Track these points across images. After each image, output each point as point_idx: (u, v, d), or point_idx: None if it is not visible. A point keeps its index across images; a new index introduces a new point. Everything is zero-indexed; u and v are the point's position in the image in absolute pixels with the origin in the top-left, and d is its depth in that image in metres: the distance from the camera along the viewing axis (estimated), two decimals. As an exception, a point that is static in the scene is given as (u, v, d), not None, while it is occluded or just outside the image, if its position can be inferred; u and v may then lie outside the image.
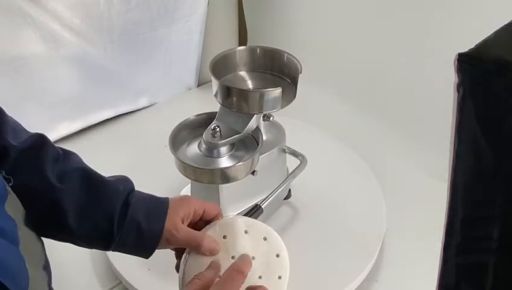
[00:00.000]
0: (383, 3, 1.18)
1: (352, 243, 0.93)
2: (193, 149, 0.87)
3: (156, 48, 1.29)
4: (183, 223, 0.63)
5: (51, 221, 0.60)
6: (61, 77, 1.17)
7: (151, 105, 1.38)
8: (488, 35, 0.39)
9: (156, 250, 0.66)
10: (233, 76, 0.95)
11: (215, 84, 0.87)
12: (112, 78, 1.26)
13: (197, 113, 0.91)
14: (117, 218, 0.61)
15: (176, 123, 0.89)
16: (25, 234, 0.51)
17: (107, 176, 0.66)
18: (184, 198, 0.66)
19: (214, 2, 1.33)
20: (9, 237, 0.47)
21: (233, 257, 0.63)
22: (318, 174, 1.00)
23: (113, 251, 0.63)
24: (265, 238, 0.66)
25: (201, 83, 1.46)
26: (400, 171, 1.14)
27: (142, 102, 1.36)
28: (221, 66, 0.92)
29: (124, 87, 1.30)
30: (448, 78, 0.41)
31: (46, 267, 0.55)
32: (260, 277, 0.63)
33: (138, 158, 1.13)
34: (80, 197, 0.60)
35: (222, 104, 0.88)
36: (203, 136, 0.85)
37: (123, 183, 0.64)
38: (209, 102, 0.91)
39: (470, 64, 0.38)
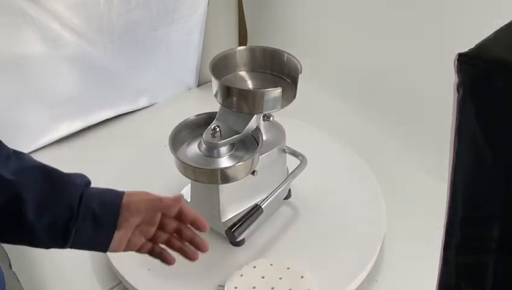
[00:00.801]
0: (383, 3, 1.18)
1: (352, 243, 0.93)
2: (193, 149, 0.87)
3: (156, 48, 1.29)
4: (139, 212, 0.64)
5: (8, 218, 0.59)
6: (61, 77, 1.17)
7: (151, 105, 1.38)
8: (488, 35, 0.39)
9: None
10: (233, 76, 0.95)
11: (215, 84, 0.87)
12: (112, 78, 1.26)
13: (197, 113, 0.91)
14: (75, 209, 0.61)
15: (176, 123, 0.89)
16: None
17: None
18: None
19: (214, 2, 1.33)
20: None
21: (263, 277, 0.84)
22: (318, 174, 1.00)
23: (70, 246, 0.63)
24: (288, 268, 0.86)
25: (201, 83, 1.46)
26: (399, 171, 1.14)
27: (142, 102, 1.36)
28: (221, 66, 0.92)
29: (124, 87, 1.30)
30: (448, 78, 0.41)
31: (11, 267, 0.55)
32: None
33: (138, 158, 1.13)
34: (38, 189, 0.60)
35: (222, 104, 0.88)
36: (203, 136, 0.85)
37: (80, 177, 0.65)
38: (209, 102, 0.91)
39: (470, 64, 0.38)
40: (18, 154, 0.63)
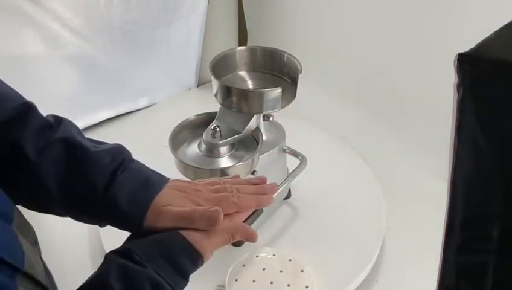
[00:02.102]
0: (382, 3, 1.18)
1: (352, 243, 0.93)
2: (193, 149, 0.87)
3: (156, 48, 1.29)
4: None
5: (38, 197, 0.60)
6: (61, 77, 1.17)
7: (151, 105, 1.38)
8: (488, 35, 0.39)
9: None
10: (233, 76, 0.95)
11: (215, 84, 0.87)
12: (112, 78, 1.26)
13: (197, 113, 0.91)
14: (100, 195, 0.59)
15: (176, 123, 0.89)
16: (17, 212, 0.51)
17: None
18: (180, 188, 0.65)
19: (214, 2, 1.33)
20: (4, 215, 0.48)
21: (264, 269, 0.85)
22: (318, 174, 1.00)
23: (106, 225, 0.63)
24: (290, 260, 0.87)
25: (201, 83, 1.46)
26: (400, 171, 1.14)
27: (142, 102, 1.36)
28: (221, 66, 0.92)
29: (124, 87, 1.30)
30: (448, 78, 0.41)
31: (37, 243, 0.56)
32: (289, 285, 0.82)
33: (138, 158, 1.12)
34: (59, 170, 0.59)
35: (222, 104, 0.88)
36: (203, 136, 0.85)
37: (112, 155, 0.62)
38: (209, 102, 0.91)
39: (470, 64, 0.37)
40: (55, 125, 0.61)
